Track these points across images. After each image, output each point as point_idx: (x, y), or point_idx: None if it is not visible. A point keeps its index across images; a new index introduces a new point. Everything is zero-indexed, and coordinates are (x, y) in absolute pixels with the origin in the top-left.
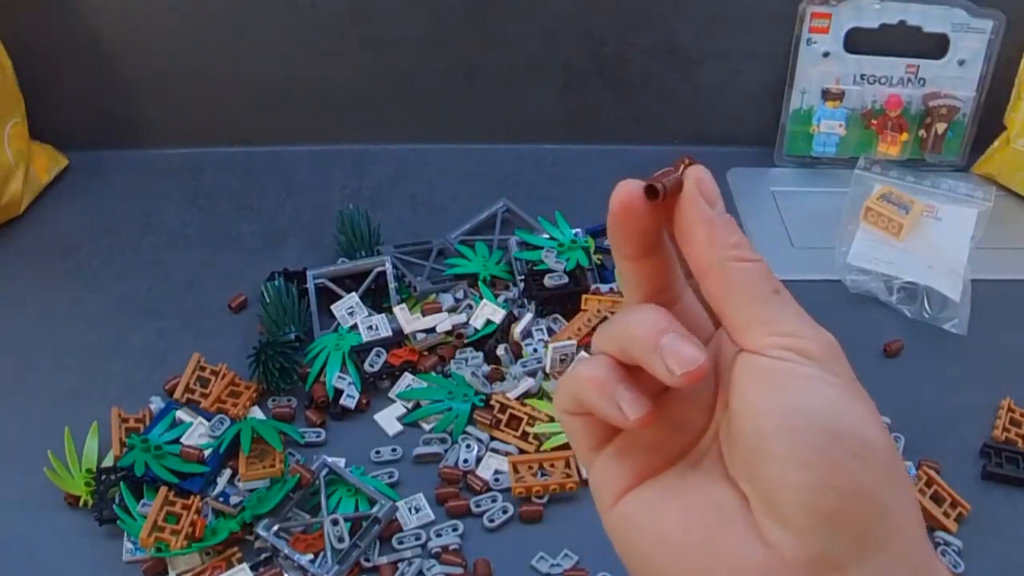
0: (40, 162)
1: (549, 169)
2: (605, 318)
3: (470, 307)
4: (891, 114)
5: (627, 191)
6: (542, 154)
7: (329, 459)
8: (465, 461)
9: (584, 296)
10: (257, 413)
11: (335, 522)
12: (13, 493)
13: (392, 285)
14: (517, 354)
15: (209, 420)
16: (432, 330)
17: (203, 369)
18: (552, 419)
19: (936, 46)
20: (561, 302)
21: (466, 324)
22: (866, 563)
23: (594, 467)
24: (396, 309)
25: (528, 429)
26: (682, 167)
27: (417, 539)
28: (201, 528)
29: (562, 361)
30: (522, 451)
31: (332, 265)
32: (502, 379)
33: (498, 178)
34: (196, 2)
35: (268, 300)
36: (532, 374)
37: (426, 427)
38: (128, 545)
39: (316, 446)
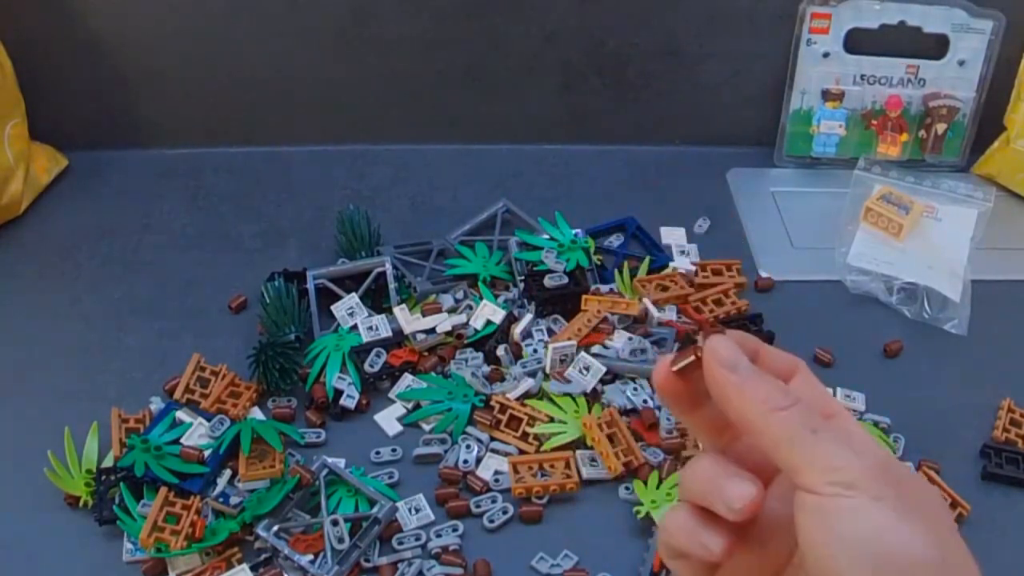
0: (40, 162)
1: (549, 169)
2: (605, 318)
3: (470, 308)
4: (891, 114)
5: (659, 376)
6: (542, 154)
7: (329, 460)
8: (465, 462)
9: (584, 296)
10: (257, 414)
11: (335, 522)
12: (13, 493)
13: (392, 286)
14: (517, 355)
15: (209, 421)
16: (432, 331)
17: (203, 369)
18: (552, 419)
19: (936, 46)
20: (561, 302)
21: (466, 325)
22: None
23: None
24: (396, 310)
25: (528, 430)
26: (701, 339)
27: (417, 540)
28: (201, 528)
29: (562, 361)
30: (522, 451)
31: (332, 266)
32: (502, 379)
33: (498, 178)
34: (196, 2)
35: (268, 300)
36: (532, 375)
37: (426, 428)
38: (128, 545)
39: (316, 447)
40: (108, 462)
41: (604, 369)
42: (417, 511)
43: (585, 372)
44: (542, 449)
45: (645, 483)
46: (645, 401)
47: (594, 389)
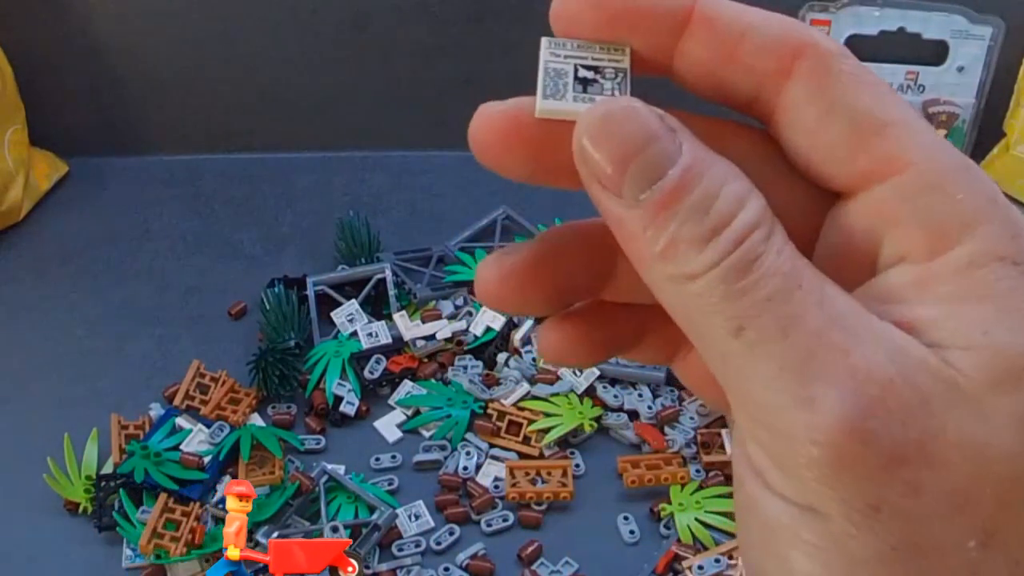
0: (40, 169)
1: None
2: None
3: (470, 314)
4: None
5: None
6: None
7: (329, 466)
8: (465, 468)
9: None
10: (257, 420)
11: (335, 529)
12: (12, 499)
13: (392, 292)
14: None
15: (209, 427)
16: (432, 337)
17: (203, 376)
18: (546, 415)
19: (935, 53)
20: None
21: (466, 331)
22: None
23: None
24: (396, 316)
25: (529, 433)
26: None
27: (417, 546)
28: (201, 535)
29: None
30: (524, 456)
31: (332, 272)
32: (497, 384)
33: (497, 185)
34: (197, 9)
35: (268, 307)
36: (526, 377)
37: (426, 434)
38: (127, 552)
39: (316, 453)
40: (108, 468)
41: (597, 373)
42: (417, 517)
43: (578, 374)
44: (543, 443)
45: (681, 487)
46: (649, 407)
47: (586, 390)
